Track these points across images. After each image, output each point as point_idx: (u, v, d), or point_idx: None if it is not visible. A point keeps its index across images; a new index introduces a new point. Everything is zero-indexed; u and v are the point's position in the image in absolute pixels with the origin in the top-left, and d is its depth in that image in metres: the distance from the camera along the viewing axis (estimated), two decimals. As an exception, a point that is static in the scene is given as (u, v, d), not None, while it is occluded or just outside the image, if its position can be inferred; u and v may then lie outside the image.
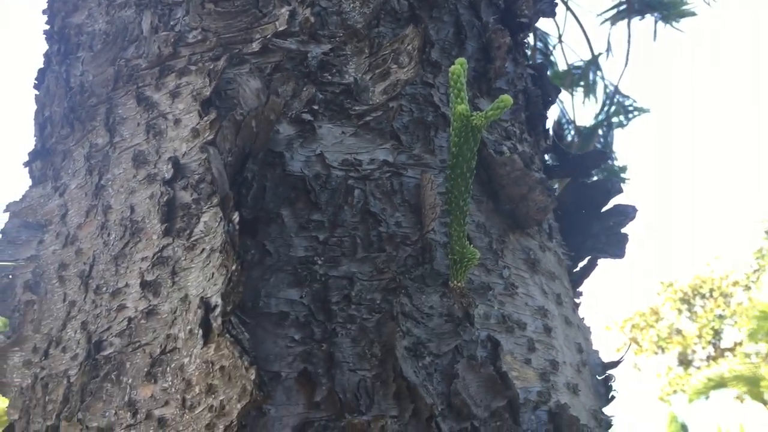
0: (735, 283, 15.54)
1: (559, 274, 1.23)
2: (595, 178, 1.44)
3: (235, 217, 0.92)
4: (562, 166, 1.42)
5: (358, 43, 1.14)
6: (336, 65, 1.12)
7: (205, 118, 1.06)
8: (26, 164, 1.30)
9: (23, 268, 1.18)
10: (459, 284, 1.01)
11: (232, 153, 0.98)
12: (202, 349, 0.92)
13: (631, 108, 3.85)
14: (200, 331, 0.92)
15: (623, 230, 1.36)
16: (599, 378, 1.26)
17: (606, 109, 3.81)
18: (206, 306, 0.93)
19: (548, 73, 1.42)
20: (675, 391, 15.51)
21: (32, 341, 1.13)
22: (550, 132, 1.41)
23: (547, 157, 1.43)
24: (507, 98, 0.85)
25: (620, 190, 1.37)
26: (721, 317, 15.58)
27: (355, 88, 1.11)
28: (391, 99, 1.09)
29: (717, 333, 15.63)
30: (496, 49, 1.23)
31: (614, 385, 1.24)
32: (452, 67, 0.91)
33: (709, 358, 15.59)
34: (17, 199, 1.27)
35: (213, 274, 0.96)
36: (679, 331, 15.89)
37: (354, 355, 0.94)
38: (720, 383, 11.84)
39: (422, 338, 0.97)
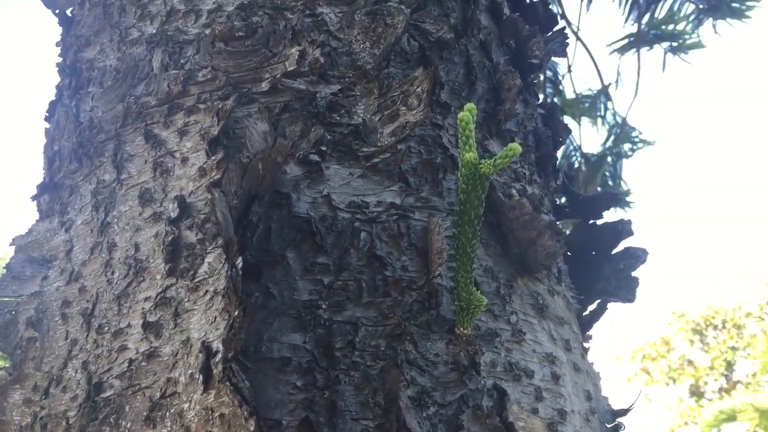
0: (748, 315, 15.34)
1: (567, 319, 1.21)
2: (604, 221, 1.42)
3: (239, 262, 0.91)
4: (573, 207, 1.40)
5: (368, 84, 1.13)
6: (345, 106, 1.12)
7: (213, 158, 1.05)
8: (34, 198, 1.30)
9: (26, 304, 1.18)
10: (465, 331, 0.99)
11: (237, 195, 0.97)
12: (202, 395, 0.90)
13: (636, 140, 3.86)
14: (201, 377, 0.91)
15: (634, 273, 1.34)
16: (608, 426, 1.23)
17: (612, 139, 3.82)
18: (207, 351, 0.92)
19: (558, 105, 1.41)
20: (686, 423, 15.25)
21: (33, 379, 1.12)
22: (560, 173, 1.40)
23: (557, 197, 1.42)
24: (516, 147, 0.84)
25: (631, 233, 1.35)
26: (733, 349, 15.36)
27: (363, 130, 1.10)
28: (399, 141, 1.08)
29: (729, 365, 15.41)
30: (506, 91, 1.22)
31: (623, 433, 1.21)
32: (461, 113, 0.90)
33: (721, 389, 15.34)
34: (23, 233, 1.27)
35: (215, 317, 0.94)
36: (690, 362, 15.67)
37: (357, 404, 0.92)
38: (732, 416, 11.64)
39: (427, 387, 0.95)
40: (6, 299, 1.18)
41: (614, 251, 1.36)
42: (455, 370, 0.98)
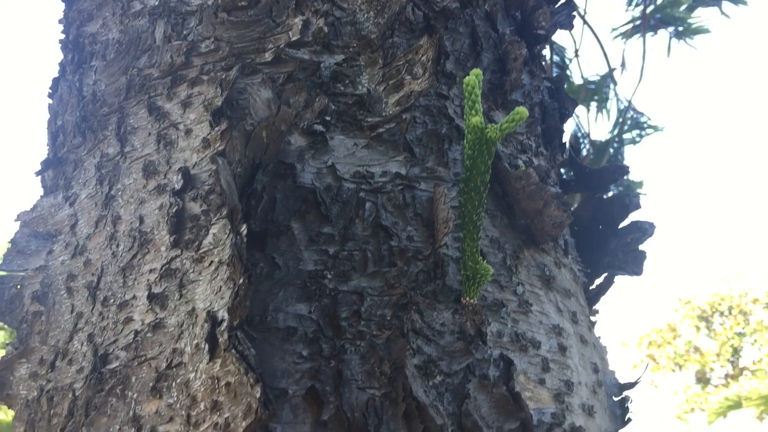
0: (755, 301, 15.30)
1: (574, 292, 1.20)
2: (612, 194, 1.41)
3: (243, 229, 0.90)
4: (579, 180, 1.39)
5: (372, 53, 1.12)
6: (349, 76, 1.11)
7: (216, 129, 1.04)
8: (38, 173, 1.30)
9: (32, 278, 1.17)
10: (471, 301, 0.98)
11: (241, 164, 0.96)
12: (208, 364, 0.90)
13: (644, 125, 3.83)
14: (206, 346, 0.90)
15: (641, 247, 1.33)
16: (615, 399, 1.22)
17: (619, 124, 3.79)
18: (213, 320, 0.91)
19: (564, 78, 1.39)
20: (692, 409, 15.24)
21: (39, 353, 1.12)
22: (567, 146, 1.38)
23: (563, 171, 1.40)
24: (522, 110, 0.83)
25: (638, 206, 1.34)
26: (740, 335, 15.33)
27: (368, 99, 1.09)
28: (404, 110, 1.07)
29: (736, 351, 15.38)
30: (512, 61, 1.20)
31: (631, 406, 1.21)
32: (466, 77, 0.89)
33: (727, 376, 15.33)
34: (28, 209, 1.26)
35: (221, 287, 0.94)
36: (697, 349, 15.66)
37: (363, 373, 0.92)
38: (738, 403, 11.61)
39: (433, 356, 0.95)
40: (11, 273, 1.18)
41: (621, 225, 1.35)
42: (461, 339, 0.97)
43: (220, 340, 0.89)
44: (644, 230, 1.32)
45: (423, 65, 1.07)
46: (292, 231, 1.00)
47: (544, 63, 1.35)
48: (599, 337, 1.27)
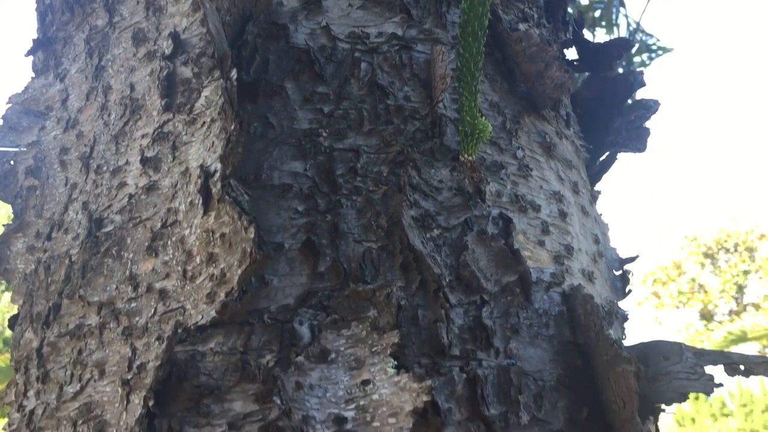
0: (761, 237, 15.31)
1: (576, 164, 1.18)
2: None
3: (233, 74, 0.88)
4: (583, 57, 1.35)
5: None
6: (342, -65, 1.06)
7: (206, -11, 1.01)
8: (28, 53, 1.26)
9: (25, 154, 1.16)
10: (470, 158, 0.96)
11: (230, 13, 0.93)
12: (202, 218, 0.89)
13: (654, 47, 3.74)
14: (200, 200, 0.89)
15: (645, 125, 1.30)
16: (617, 273, 1.22)
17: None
18: (206, 174, 0.90)
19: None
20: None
21: (35, 227, 1.11)
22: (570, 24, 1.34)
23: (566, 49, 1.36)
24: (521, -57, 0.79)
25: (643, 83, 1.30)
26: (745, 272, 15.39)
27: (362, -42, 1.05)
28: (400, -33, 1.03)
29: (740, 288, 15.47)
30: (513, -77, 1.15)
31: (631, 278, 1.20)
32: None
33: (731, 312, 15.46)
34: (20, 91, 1.24)
35: (213, 143, 0.92)
36: (701, 286, 15.75)
37: (359, 227, 0.90)
38: (741, 338, 11.73)
39: (431, 211, 0.93)
40: (4, 149, 1.17)
41: (625, 103, 1.32)
42: (459, 195, 0.95)
43: (214, 190, 0.88)
44: (648, 107, 1.29)
45: None
46: (286, 91, 0.97)
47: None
48: (601, 214, 1.26)
